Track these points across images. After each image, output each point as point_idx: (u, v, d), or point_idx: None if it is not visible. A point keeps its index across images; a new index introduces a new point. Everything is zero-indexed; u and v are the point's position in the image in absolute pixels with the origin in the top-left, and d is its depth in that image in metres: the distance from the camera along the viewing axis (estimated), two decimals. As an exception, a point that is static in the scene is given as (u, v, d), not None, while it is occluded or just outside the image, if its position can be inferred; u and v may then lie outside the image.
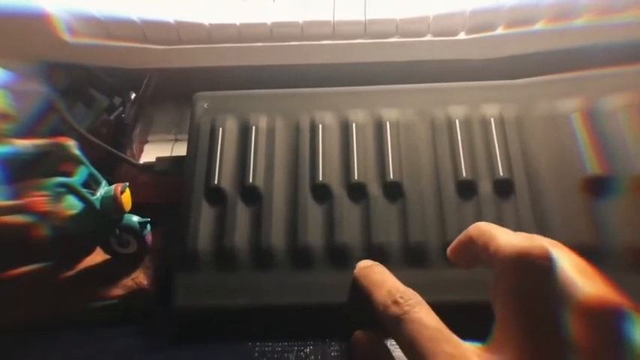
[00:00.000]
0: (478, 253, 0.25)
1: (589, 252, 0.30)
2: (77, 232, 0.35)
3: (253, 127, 0.39)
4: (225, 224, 0.36)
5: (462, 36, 0.42)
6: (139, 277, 0.38)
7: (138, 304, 0.37)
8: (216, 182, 0.37)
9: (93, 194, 0.36)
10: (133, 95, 0.46)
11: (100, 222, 0.36)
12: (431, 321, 0.24)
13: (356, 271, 0.31)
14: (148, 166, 0.43)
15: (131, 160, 0.43)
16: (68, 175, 0.35)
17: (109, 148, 0.43)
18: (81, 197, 0.35)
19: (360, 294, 0.29)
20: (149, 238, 0.39)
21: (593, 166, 0.33)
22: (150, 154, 0.45)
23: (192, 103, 0.41)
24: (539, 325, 0.21)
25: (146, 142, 0.47)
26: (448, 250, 0.28)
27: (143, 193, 0.39)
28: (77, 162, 0.36)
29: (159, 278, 0.38)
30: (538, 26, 0.41)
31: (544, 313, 0.21)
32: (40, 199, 0.32)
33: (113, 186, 0.36)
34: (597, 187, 0.33)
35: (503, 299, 0.22)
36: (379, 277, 0.29)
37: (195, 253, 0.35)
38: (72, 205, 0.35)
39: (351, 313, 0.32)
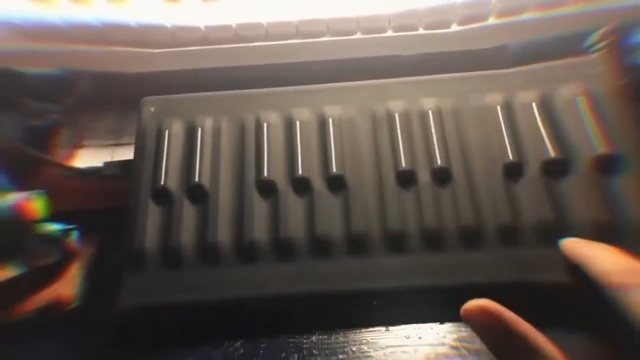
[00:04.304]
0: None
1: (508, 233, 0.34)
2: None
3: (199, 129, 0.39)
4: (171, 223, 0.36)
5: (389, 33, 0.44)
6: (60, 288, 0.36)
7: (57, 315, 0.36)
8: (162, 183, 0.37)
9: None
10: (67, 100, 0.45)
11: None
12: None
13: (565, 248, 0.31)
14: (84, 172, 0.42)
15: (63, 164, 0.42)
16: None
17: (33, 152, 0.41)
18: None
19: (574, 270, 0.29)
20: (74, 245, 0.37)
21: (511, 154, 0.36)
22: (84, 159, 0.45)
23: (140, 107, 0.41)
24: None
25: (82, 146, 0.46)
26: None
27: (76, 199, 0.38)
28: None
29: (93, 284, 0.37)
30: (453, 27, 0.44)
31: None
32: None
33: (10, 195, 0.34)
34: (514, 172, 0.36)
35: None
36: (598, 249, 0.28)
37: (142, 253, 0.35)
38: None
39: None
